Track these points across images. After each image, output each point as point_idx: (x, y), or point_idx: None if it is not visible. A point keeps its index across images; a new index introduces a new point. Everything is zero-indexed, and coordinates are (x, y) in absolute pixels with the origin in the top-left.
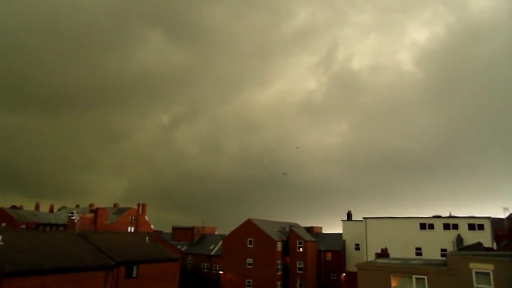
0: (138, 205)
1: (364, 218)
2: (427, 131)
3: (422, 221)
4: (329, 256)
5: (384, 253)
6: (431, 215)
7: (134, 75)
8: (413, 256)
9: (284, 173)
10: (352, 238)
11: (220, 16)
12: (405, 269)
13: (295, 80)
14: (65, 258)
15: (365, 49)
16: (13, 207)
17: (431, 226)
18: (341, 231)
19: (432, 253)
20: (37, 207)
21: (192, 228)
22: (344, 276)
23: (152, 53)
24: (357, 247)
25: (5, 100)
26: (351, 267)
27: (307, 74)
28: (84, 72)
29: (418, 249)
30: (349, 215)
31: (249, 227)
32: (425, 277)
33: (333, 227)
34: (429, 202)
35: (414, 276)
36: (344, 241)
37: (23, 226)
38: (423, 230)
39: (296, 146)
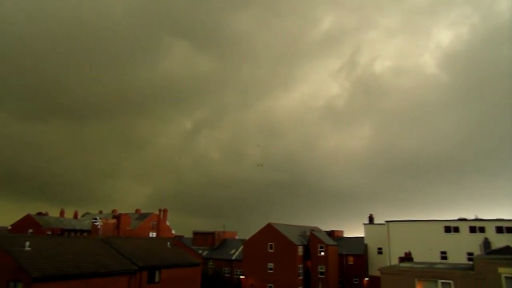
0: (160, 210)
1: (386, 221)
2: (451, 134)
3: (447, 224)
4: (351, 260)
5: (407, 257)
6: (456, 218)
7: (160, 84)
8: (438, 260)
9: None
10: (375, 242)
11: (246, 24)
12: (430, 273)
13: (318, 84)
14: (89, 263)
15: (388, 53)
16: (39, 213)
17: (456, 229)
18: (362, 235)
19: (457, 257)
20: (62, 213)
21: (212, 233)
22: (367, 280)
23: (177, 62)
24: (380, 251)
25: (37, 109)
26: (373, 271)
27: (330, 78)
28: (112, 81)
29: (443, 253)
30: (371, 219)
31: (269, 232)
32: (451, 281)
33: (354, 231)
34: (454, 205)
35: (439, 281)
36: (366, 245)
37: (49, 232)
38: (448, 234)
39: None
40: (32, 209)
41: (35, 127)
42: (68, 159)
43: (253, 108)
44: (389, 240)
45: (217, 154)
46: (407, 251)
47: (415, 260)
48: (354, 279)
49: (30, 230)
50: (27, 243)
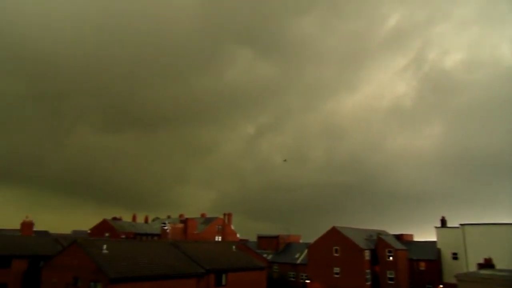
0: (224, 214)
1: (461, 224)
2: None
3: None
4: (422, 265)
5: (488, 264)
6: None
7: (224, 92)
8: None
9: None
10: (448, 247)
11: (309, 27)
12: None
13: (383, 83)
14: (160, 266)
15: (460, 46)
16: (114, 218)
17: None
18: (434, 239)
19: None
20: (134, 218)
21: (277, 237)
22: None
23: (241, 69)
24: (455, 256)
25: (113, 122)
26: (448, 278)
27: (396, 77)
28: (179, 93)
29: None
30: (443, 222)
31: (334, 235)
32: None
33: (425, 234)
34: None
35: None
36: (439, 250)
37: (123, 236)
38: None
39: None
40: (108, 214)
41: (111, 138)
42: (139, 167)
43: (317, 110)
44: (464, 244)
45: (280, 158)
46: (486, 257)
47: (496, 267)
48: (427, 286)
49: (107, 234)
50: (105, 246)
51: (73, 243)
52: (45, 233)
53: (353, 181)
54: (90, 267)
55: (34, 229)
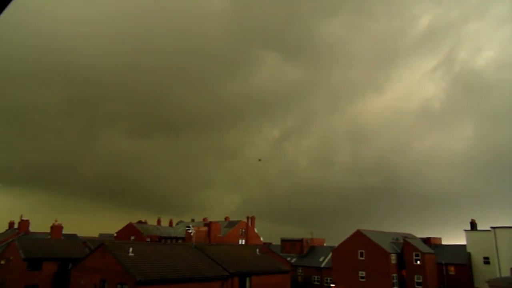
0: (248, 218)
1: (492, 227)
2: None
3: None
4: (452, 270)
5: None
6: None
7: (251, 96)
8: None
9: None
10: (479, 251)
11: (337, 29)
12: None
13: (412, 84)
14: (185, 269)
15: (493, 44)
16: (139, 222)
17: None
18: (463, 243)
19: None
20: (158, 221)
21: (301, 240)
22: None
23: (268, 73)
24: (486, 261)
25: (142, 127)
26: (479, 283)
27: (426, 77)
28: (207, 98)
29: None
30: (473, 225)
31: (359, 239)
32: None
33: (453, 238)
34: None
35: None
36: (469, 254)
37: (148, 239)
38: None
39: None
40: (133, 218)
41: (139, 143)
42: (165, 171)
43: (343, 112)
44: (496, 248)
45: (305, 161)
46: None
47: None
48: None
49: (132, 237)
50: (131, 249)
51: (100, 246)
52: (73, 236)
53: (379, 184)
54: (116, 269)
55: (63, 232)
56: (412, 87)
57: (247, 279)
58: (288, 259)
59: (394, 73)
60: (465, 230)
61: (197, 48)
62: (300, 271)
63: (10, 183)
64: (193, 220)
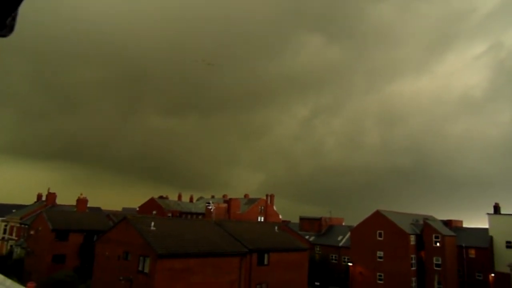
0: (267, 195)
1: None
2: None
3: None
4: (472, 253)
5: None
6: None
7: (289, 76)
8: None
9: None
10: (502, 235)
11: (389, 11)
12: None
13: (454, 67)
14: (205, 244)
15: None
16: (161, 197)
17: None
18: (486, 226)
19: None
20: (179, 197)
21: (319, 219)
22: (493, 276)
23: (310, 55)
24: (509, 245)
25: (177, 106)
26: (501, 267)
27: (468, 61)
28: (247, 78)
29: None
30: (496, 208)
31: (378, 219)
32: None
33: (475, 221)
34: None
35: None
36: (491, 237)
37: (169, 214)
38: None
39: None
40: (156, 193)
41: (173, 121)
42: (193, 148)
43: (379, 93)
44: None
45: (334, 141)
46: None
47: None
48: (477, 274)
49: (154, 212)
50: (152, 223)
51: (123, 220)
52: (97, 210)
53: (408, 166)
54: (139, 242)
55: (88, 205)
56: (455, 70)
57: (266, 255)
58: (306, 237)
59: (438, 57)
60: (488, 214)
61: (242, 29)
62: (318, 249)
63: (47, 157)
64: (213, 197)
